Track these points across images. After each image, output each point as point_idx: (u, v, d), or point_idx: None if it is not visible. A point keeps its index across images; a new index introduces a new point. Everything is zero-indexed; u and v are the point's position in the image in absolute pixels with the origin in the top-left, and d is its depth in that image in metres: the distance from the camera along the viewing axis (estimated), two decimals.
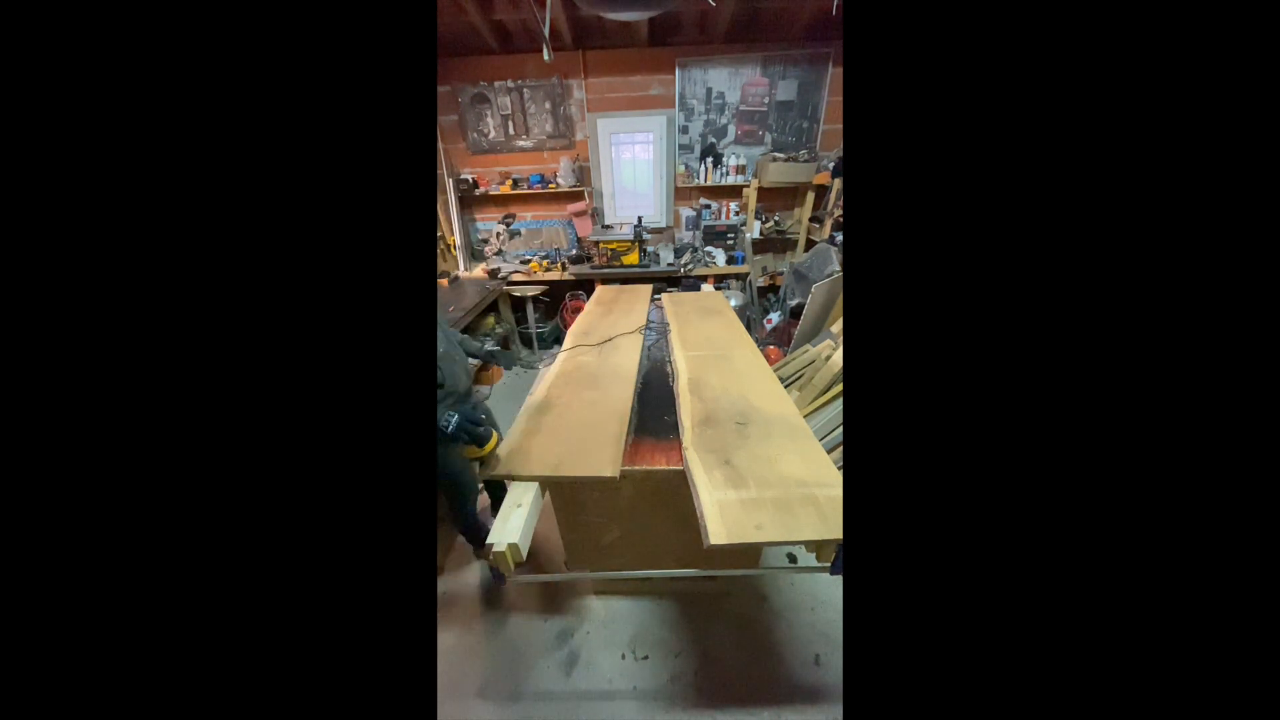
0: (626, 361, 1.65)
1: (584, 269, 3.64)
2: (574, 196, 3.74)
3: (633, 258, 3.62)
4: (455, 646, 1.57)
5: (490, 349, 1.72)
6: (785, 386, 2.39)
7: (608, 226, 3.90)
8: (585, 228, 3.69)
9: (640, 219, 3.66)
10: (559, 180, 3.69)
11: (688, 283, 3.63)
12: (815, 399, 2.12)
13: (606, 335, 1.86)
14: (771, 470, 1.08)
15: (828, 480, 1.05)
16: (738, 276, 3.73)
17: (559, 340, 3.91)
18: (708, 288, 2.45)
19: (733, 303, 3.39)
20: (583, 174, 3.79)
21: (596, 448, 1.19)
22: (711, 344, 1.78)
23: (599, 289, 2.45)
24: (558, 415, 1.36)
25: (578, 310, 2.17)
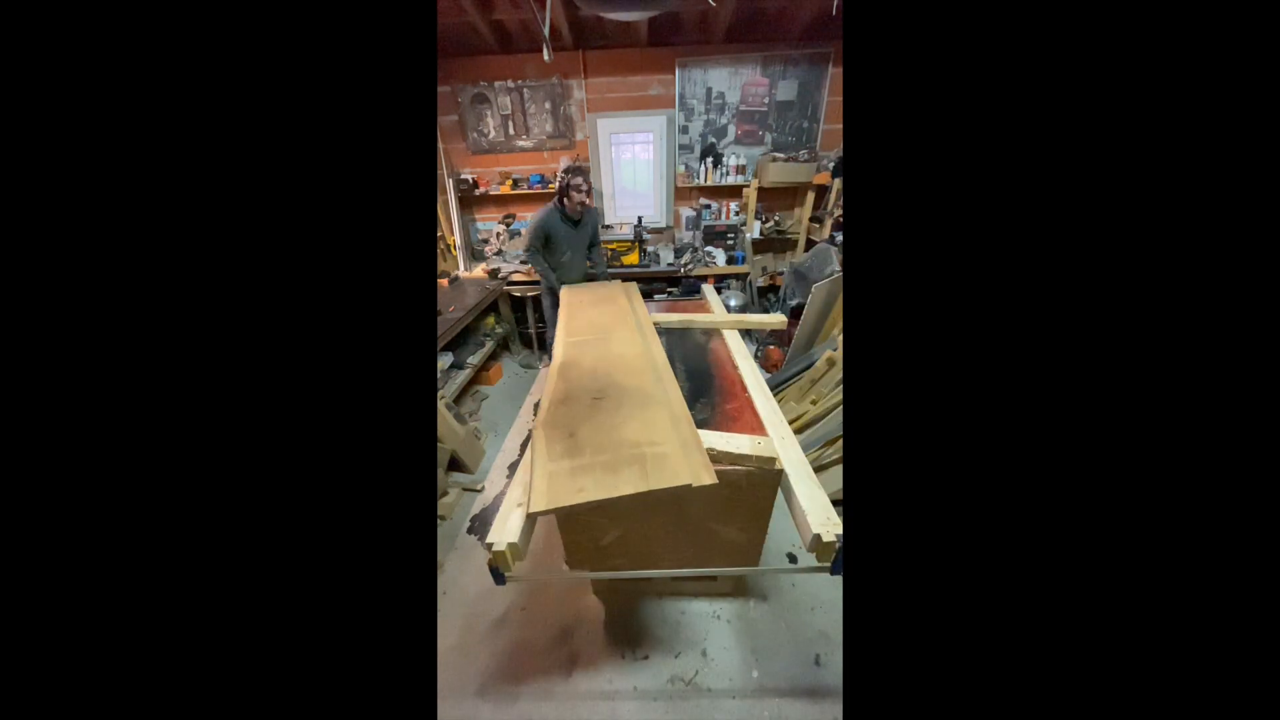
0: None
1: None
2: None
3: (633, 258, 3.62)
4: (455, 646, 1.57)
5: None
6: (784, 388, 2.39)
7: (608, 226, 3.90)
8: None
9: (640, 219, 3.66)
10: None
11: (688, 283, 3.62)
12: (808, 399, 2.12)
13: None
14: (610, 437, 1.12)
15: (659, 440, 1.09)
16: (738, 276, 3.72)
17: None
18: (707, 288, 2.44)
19: (732, 303, 3.40)
20: None
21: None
22: (594, 329, 1.80)
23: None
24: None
25: None
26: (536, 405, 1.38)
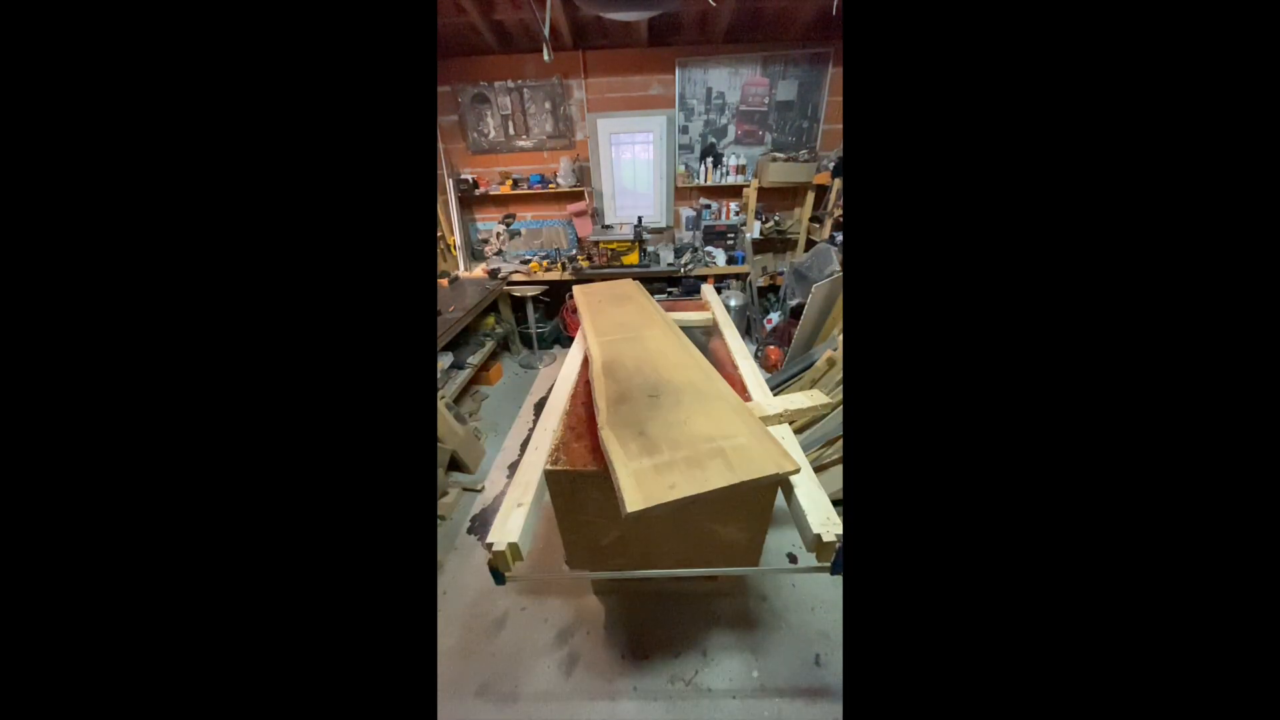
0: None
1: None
2: (574, 196, 3.74)
3: (633, 258, 3.62)
4: (455, 646, 1.57)
5: None
6: (784, 388, 2.39)
7: (608, 226, 3.91)
8: (585, 228, 3.69)
9: (640, 219, 3.66)
10: (559, 180, 3.69)
11: (688, 283, 3.63)
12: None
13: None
14: (682, 432, 1.12)
15: (732, 433, 1.09)
16: (738, 276, 3.72)
17: (559, 340, 3.93)
18: (707, 288, 2.44)
19: (732, 303, 3.40)
20: (583, 174, 3.79)
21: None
22: (624, 328, 1.80)
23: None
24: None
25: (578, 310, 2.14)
26: (537, 405, 1.38)
